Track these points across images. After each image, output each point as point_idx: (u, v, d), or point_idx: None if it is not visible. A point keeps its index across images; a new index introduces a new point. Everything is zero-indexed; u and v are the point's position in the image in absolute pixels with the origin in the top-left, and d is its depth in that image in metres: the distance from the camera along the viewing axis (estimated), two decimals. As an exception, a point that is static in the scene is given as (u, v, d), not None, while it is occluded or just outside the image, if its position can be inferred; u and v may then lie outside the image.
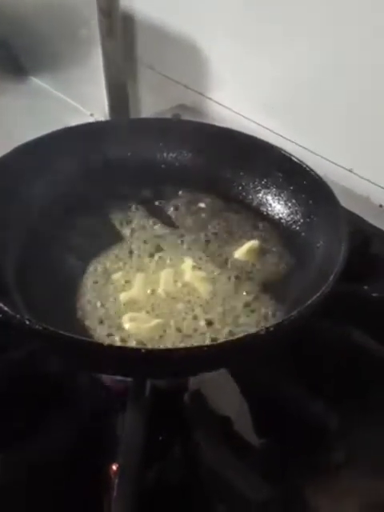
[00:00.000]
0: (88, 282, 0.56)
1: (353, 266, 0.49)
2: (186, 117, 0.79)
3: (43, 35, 0.94)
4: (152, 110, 0.88)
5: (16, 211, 0.58)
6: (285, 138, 0.77)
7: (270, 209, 0.64)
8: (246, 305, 0.54)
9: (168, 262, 0.58)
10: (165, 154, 0.67)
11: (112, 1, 0.83)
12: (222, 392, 0.51)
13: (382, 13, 0.63)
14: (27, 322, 0.42)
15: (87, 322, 0.52)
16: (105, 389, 0.49)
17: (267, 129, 0.80)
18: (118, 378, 0.49)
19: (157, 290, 0.55)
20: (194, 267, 0.57)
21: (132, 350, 0.45)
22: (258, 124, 0.81)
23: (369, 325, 0.52)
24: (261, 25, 0.75)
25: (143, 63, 0.95)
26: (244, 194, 0.65)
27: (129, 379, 0.47)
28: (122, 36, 0.87)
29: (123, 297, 0.54)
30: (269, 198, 0.64)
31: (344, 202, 0.56)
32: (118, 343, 0.49)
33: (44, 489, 0.43)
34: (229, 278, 0.57)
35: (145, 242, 0.60)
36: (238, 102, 0.84)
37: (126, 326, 0.51)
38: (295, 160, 0.60)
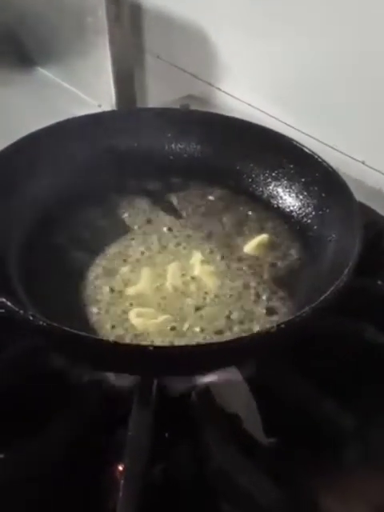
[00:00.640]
0: (94, 275, 0.55)
1: (366, 260, 0.48)
2: (195, 107, 0.78)
3: (50, 25, 0.93)
4: (160, 101, 0.87)
5: (20, 203, 0.57)
6: (295, 128, 0.76)
7: (280, 201, 0.62)
8: (256, 300, 0.53)
9: (176, 255, 0.57)
10: (173, 145, 0.66)
11: (119, -11, 0.82)
12: (231, 390, 0.49)
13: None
14: (31, 318, 0.41)
15: (93, 318, 0.51)
16: (111, 387, 0.48)
17: (277, 119, 0.79)
18: (124, 375, 0.48)
19: (164, 285, 0.54)
20: (202, 261, 0.56)
21: (139, 347, 0.44)
22: (268, 114, 0.80)
23: (383, 321, 0.51)
24: (270, 13, 0.75)
25: (151, 52, 0.95)
26: (254, 186, 0.64)
27: (135, 377, 0.47)
28: (129, 25, 0.86)
29: (130, 291, 0.53)
30: (280, 190, 0.63)
31: (356, 194, 0.55)
32: (124, 340, 0.48)
33: (47, 490, 0.42)
34: (238, 273, 0.56)
35: (152, 235, 0.60)
36: (247, 92, 0.83)
37: (133, 321, 0.50)
38: (307, 151, 0.59)
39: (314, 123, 0.75)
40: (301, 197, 0.61)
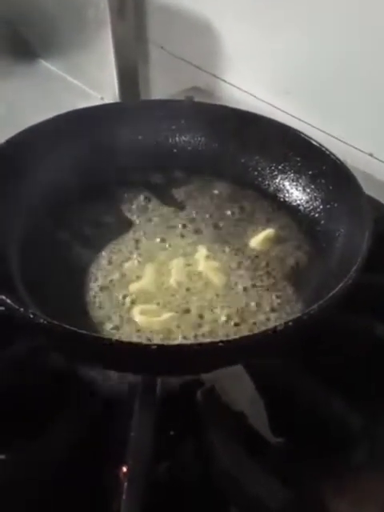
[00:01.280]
0: (96, 271, 0.54)
1: (375, 255, 0.47)
2: (199, 99, 0.76)
3: (52, 18, 0.92)
4: (164, 93, 0.86)
5: (21, 196, 0.57)
6: (301, 120, 0.75)
7: (287, 195, 0.62)
8: (263, 297, 0.52)
9: (180, 251, 0.56)
10: (177, 138, 0.66)
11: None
12: (237, 388, 0.49)
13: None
14: (31, 316, 0.40)
15: (95, 315, 0.50)
16: (113, 386, 0.47)
17: (283, 111, 0.78)
18: (127, 374, 0.47)
19: (168, 281, 0.53)
20: (207, 257, 0.55)
21: (142, 346, 0.43)
22: (274, 106, 0.79)
23: (393, 318, 0.50)
24: (275, 3, 0.73)
25: (154, 44, 0.94)
26: (260, 179, 0.63)
27: (139, 376, 0.46)
28: (132, 16, 0.86)
29: (133, 288, 0.52)
30: (286, 183, 0.62)
31: (364, 187, 0.54)
32: (127, 338, 0.47)
33: (49, 491, 0.42)
34: (244, 269, 0.55)
35: (156, 230, 0.59)
36: (253, 84, 0.82)
37: (136, 319, 0.49)
38: (314, 143, 0.59)
39: (321, 115, 0.74)
40: (308, 190, 0.60)
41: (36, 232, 0.56)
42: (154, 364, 0.42)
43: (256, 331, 0.48)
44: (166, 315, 0.49)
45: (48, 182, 0.59)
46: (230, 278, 0.54)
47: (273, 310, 0.51)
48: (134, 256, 0.56)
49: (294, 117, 0.76)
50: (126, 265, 0.54)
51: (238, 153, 0.64)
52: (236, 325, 0.50)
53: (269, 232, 0.58)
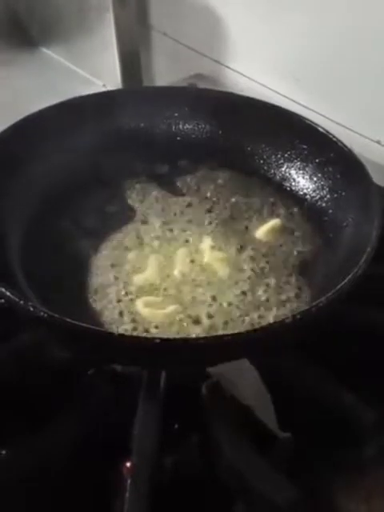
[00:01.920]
0: (99, 263, 0.53)
1: (384, 245, 0.47)
2: (203, 86, 0.77)
3: (53, 4, 0.92)
4: (167, 80, 0.85)
5: (22, 185, 0.56)
6: (307, 107, 0.74)
7: (293, 184, 0.61)
8: (269, 289, 0.51)
9: (185, 241, 0.56)
10: (180, 126, 0.65)
11: (123, -37, 0.81)
12: (243, 381, 0.48)
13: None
14: (31, 309, 0.40)
15: (98, 307, 0.49)
16: (117, 380, 0.46)
17: (289, 98, 0.77)
18: (131, 368, 0.47)
19: (173, 272, 0.52)
20: (212, 247, 0.55)
21: (146, 339, 0.43)
22: (279, 93, 0.79)
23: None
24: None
25: (157, 30, 0.93)
26: (265, 167, 0.62)
27: (143, 370, 0.45)
28: (134, 1, 0.85)
29: (137, 279, 0.52)
30: (292, 172, 0.61)
31: (372, 176, 0.53)
32: (131, 331, 0.47)
33: (51, 488, 0.41)
34: (250, 260, 0.54)
35: (159, 220, 0.58)
36: (257, 71, 0.81)
37: (140, 311, 0.49)
38: (321, 130, 0.58)
39: (327, 102, 0.73)
40: (315, 179, 0.59)
41: (36, 221, 0.55)
42: (158, 358, 0.42)
43: (262, 324, 0.47)
44: (171, 307, 0.49)
45: (49, 171, 0.59)
46: (235, 269, 0.53)
47: (279, 302, 0.50)
48: (138, 247, 0.55)
49: (299, 104, 0.75)
50: (130, 255, 0.54)
51: (243, 141, 0.63)
52: (242, 317, 0.49)
53: (275, 222, 0.57)
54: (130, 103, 0.63)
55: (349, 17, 0.67)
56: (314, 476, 0.43)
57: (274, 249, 0.55)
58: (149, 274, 0.52)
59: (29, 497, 0.41)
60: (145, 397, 0.43)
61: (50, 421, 0.43)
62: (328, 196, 0.58)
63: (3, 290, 0.41)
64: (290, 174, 0.61)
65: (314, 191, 0.59)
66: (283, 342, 0.44)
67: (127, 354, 0.42)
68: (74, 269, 0.52)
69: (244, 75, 0.83)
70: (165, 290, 0.51)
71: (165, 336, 0.46)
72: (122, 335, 0.40)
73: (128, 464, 0.40)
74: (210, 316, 0.48)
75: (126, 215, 0.58)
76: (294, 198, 0.60)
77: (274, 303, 0.50)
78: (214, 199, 0.60)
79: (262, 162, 0.63)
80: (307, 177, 0.60)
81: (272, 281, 0.52)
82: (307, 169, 0.60)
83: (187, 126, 0.65)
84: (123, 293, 0.50)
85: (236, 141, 0.63)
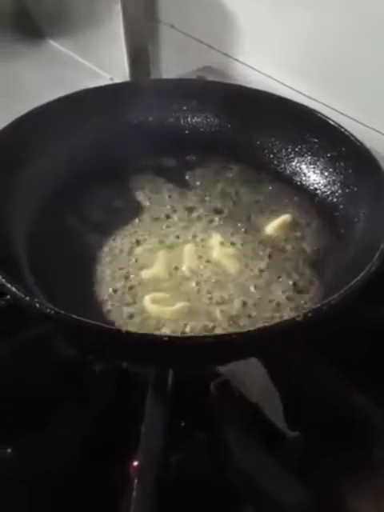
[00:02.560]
0: (106, 258, 0.53)
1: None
2: (211, 79, 0.76)
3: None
4: (175, 73, 0.85)
5: (28, 179, 0.55)
6: (318, 101, 0.73)
7: (304, 178, 0.60)
8: (279, 286, 0.51)
9: (194, 237, 0.55)
10: (189, 119, 0.64)
11: None
12: (251, 379, 0.48)
13: None
14: (37, 305, 0.39)
15: (105, 303, 0.49)
16: (124, 379, 0.46)
17: (299, 91, 0.76)
18: (138, 366, 0.47)
19: (181, 268, 0.52)
20: (222, 243, 0.54)
21: (154, 337, 0.41)
22: (289, 86, 0.78)
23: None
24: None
25: (165, 23, 0.92)
26: (276, 162, 0.62)
27: (150, 368, 0.45)
28: None
29: (145, 275, 0.51)
30: (303, 166, 0.60)
31: None
32: (138, 328, 0.46)
33: (56, 487, 0.41)
34: (260, 256, 0.53)
35: (167, 215, 0.57)
36: (267, 63, 0.80)
37: (148, 308, 0.48)
38: (333, 124, 0.57)
39: (338, 95, 0.72)
40: (326, 173, 0.59)
41: (43, 216, 0.54)
42: (166, 356, 0.41)
43: (273, 322, 0.46)
44: (179, 304, 0.48)
45: (56, 164, 0.58)
46: (244, 265, 0.52)
47: (290, 299, 0.49)
48: (146, 242, 0.54)
49: (309, 97, 0.74)
50: (137, 251, 0.53)
51: (253, 134, 0.62)
52: (251, 315, 0.48)
53: (285, 217, 0.57)
54: (137, 96, 0.62)
55: (359, 8, 0.66)
56: (323, 475, 0.43)
57: (285, 244, 0.55)
58: (157, 269, 0.51)
59: (33, 496, 0.41)
60: (152, 395, 0.43)
61: (55, 419, 0.43)
62: (339, 191, 0.57)
63: (9, 285, 0.40)
64: (300, 168, 0.60)
65: (325, 186, 0.58)
66: (294, 340, 0.44)
67: (134, 352, 0.41)
68: (81, 265, 0.52)
69: (253, 68, 0.82)
70: (173, 286, 0.50)
71: (173, 333, 0.45)
72: (129, 332, 0.39)
73: (135, 463, 0.40)
74: (218, 313, 0.48)
75: (134, 210, 0.58)
76: (304, 193, 0.59)
77: (285, 300, 0.49)
78: (224, 194, 0.60)
79: (271, 156, 0.62)
80: (318, 171, 0.59)
81: (282, 277, 0.51)
82: (318, 163, 0.59)
83: (196, 119, 0.64)
84: (130, 289, 0.50)
85: (245, 134, 0.63)
